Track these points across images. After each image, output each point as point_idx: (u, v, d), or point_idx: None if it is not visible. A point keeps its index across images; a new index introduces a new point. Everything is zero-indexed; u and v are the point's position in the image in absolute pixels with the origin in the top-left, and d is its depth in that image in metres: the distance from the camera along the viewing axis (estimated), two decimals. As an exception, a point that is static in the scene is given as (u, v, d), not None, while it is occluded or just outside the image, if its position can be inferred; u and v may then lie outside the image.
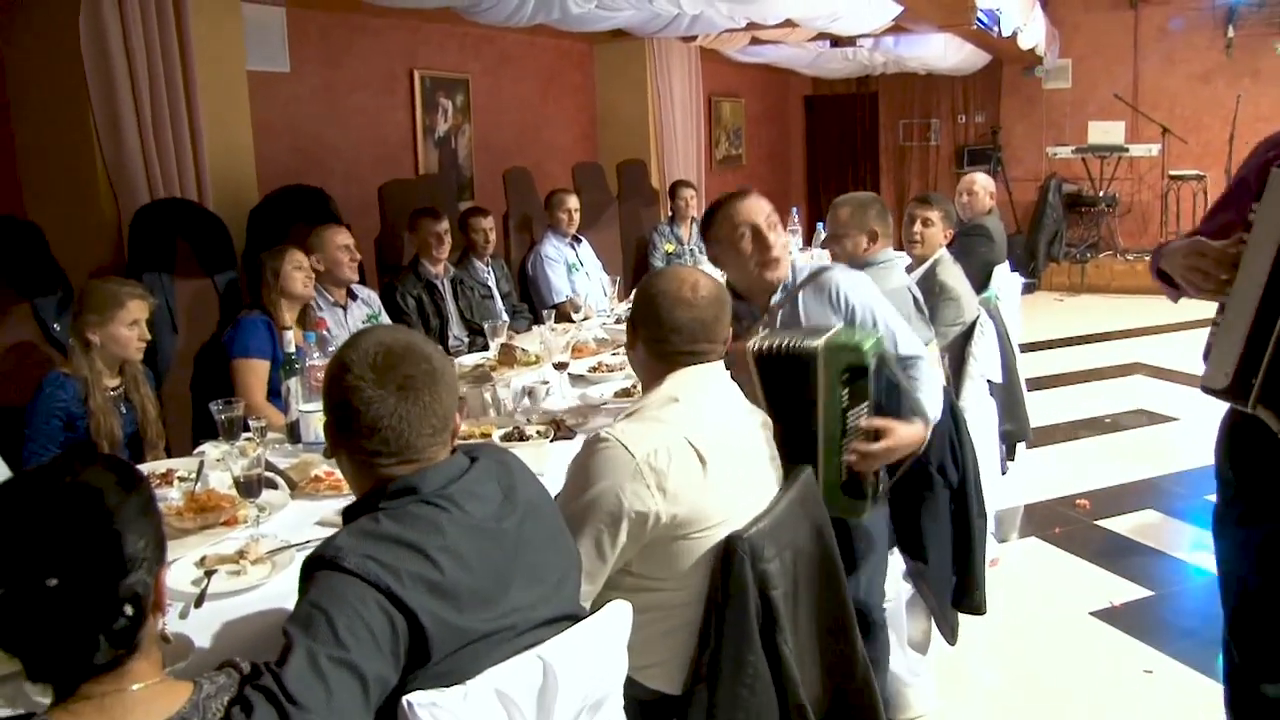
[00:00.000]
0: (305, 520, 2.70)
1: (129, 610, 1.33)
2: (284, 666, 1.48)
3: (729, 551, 2.20)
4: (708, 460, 2.21)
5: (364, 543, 1.65)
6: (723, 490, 2.24)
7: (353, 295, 4.68)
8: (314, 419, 3.19)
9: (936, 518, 3.46)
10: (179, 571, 2.30)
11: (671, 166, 9.12)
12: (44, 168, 4.49)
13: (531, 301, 6.35)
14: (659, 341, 2.36)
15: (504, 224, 6.50)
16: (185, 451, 3.62)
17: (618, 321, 5.20)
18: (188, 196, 4.55)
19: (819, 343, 2.60)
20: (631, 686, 2.08)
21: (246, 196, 4.92)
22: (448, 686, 1.64)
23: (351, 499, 1.90)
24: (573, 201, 6.51)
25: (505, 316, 5.78)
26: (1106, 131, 11.47)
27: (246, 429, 3.12)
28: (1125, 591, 4.14)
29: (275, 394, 3.82)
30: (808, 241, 7.48)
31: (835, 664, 2.51)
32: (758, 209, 2.92)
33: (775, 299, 2.98)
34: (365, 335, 1.85)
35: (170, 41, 4.46)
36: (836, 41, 9.94)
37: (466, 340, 5.32)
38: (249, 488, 2.57)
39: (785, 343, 2.63)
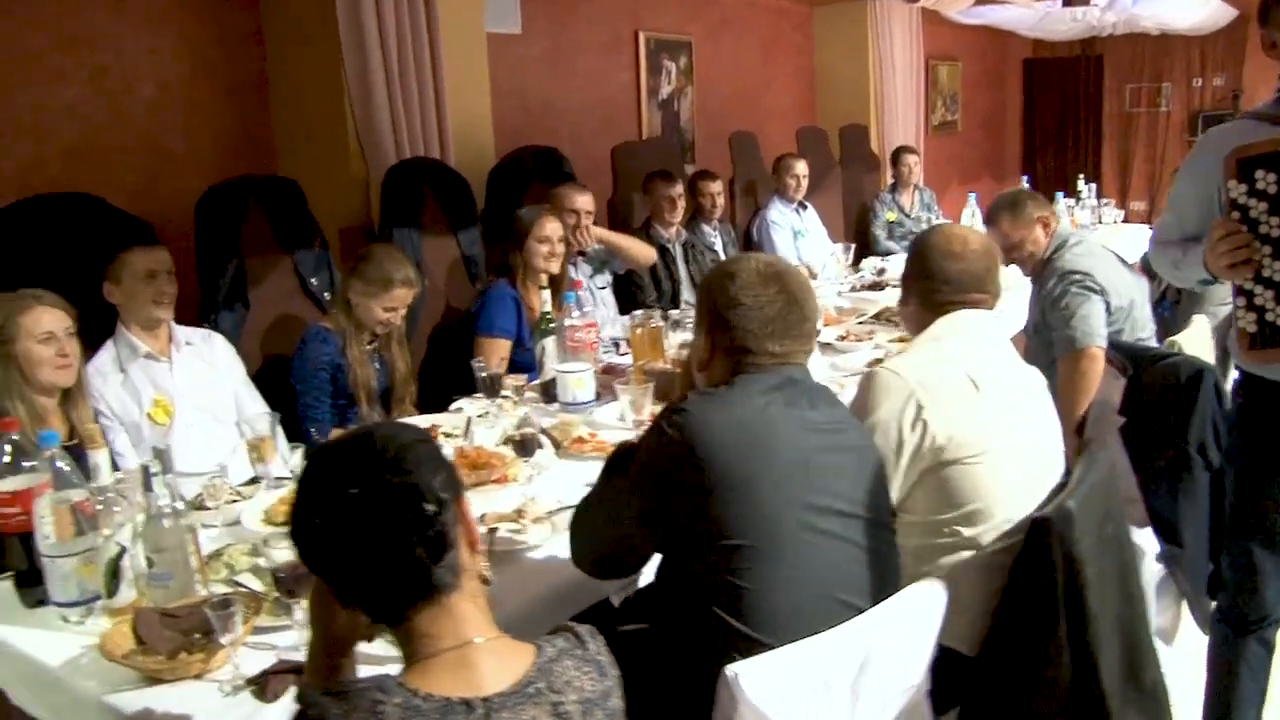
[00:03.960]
0: (574, 480, 2.66)
1: (431, 508, 1.32)
2: None
3: (1040, 527, 2.09)
4: (980, 386, 2.26)
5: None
6: (996, 419, 2.26)
7: (583, 253, 4.66)
8: (570, 380, 3.16)
9: (1194, 501, 3.24)
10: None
11: (891, 132, 8.83)
12: (297, 129, 4.61)
13: (754, 267, 6.22)
14: (930, 292, 2.45)
15: (729, 188, 6.37)
16: (429, 407, 3.68)
17: (853, 290, 5.05)
18: (431, 157, 4.60)
19: None
20: None
21: (484, 157, 4.95)
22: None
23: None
24: (800, 167, 6.38)
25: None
26: (1367, 95, 10.50)
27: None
28: None
29: (513, 369, 3.84)
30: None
31: (1127, 664, 2.35)
32: None
33: None
34: (747, 255, 2.17)
35: (418, 5, 4.50)
36: (1069, 0, 9.42)
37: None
38: (525, 447, 2.55)
39: None
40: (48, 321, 2.66)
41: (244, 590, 2.07)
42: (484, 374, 3.09)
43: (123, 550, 1.95)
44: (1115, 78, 12.99)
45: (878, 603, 1.84)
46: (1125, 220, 7.75)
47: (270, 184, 3.90)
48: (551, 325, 3.30)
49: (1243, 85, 11.89)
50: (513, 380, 3.20)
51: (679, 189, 5.20)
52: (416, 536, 1.30)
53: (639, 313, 3.57)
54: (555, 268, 4.03)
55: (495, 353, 3.90)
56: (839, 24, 8.72)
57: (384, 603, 1.33)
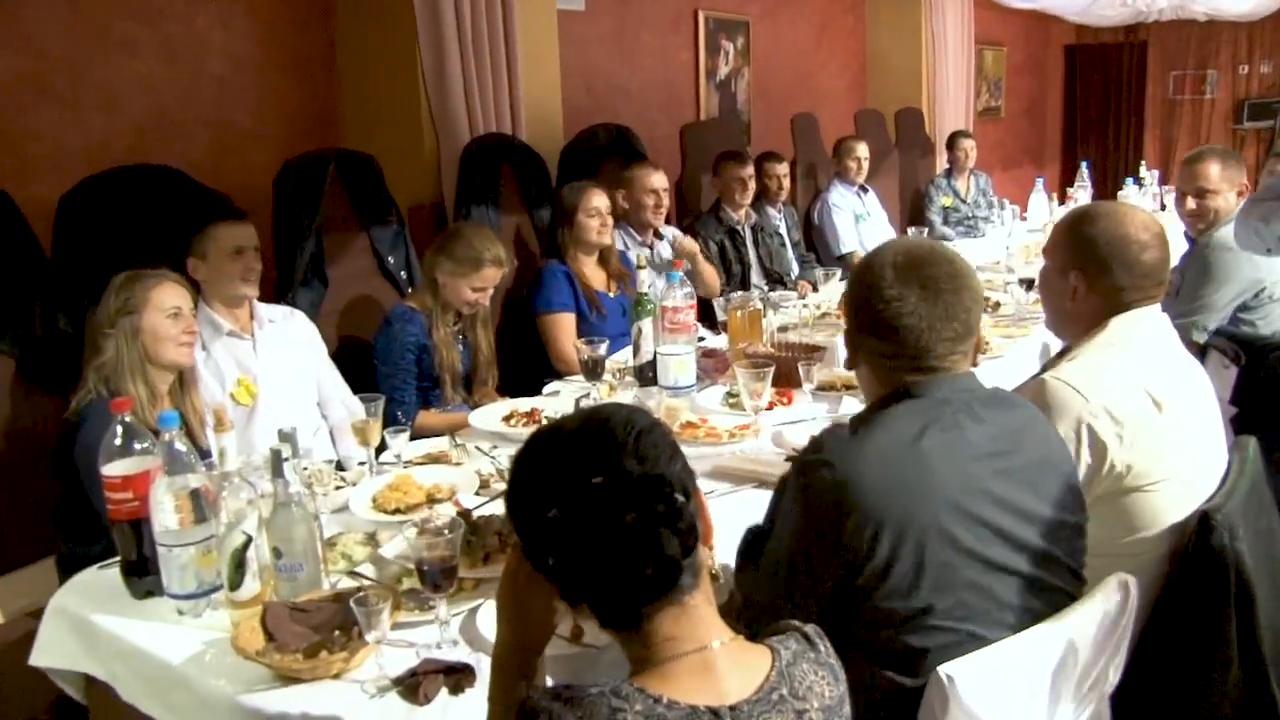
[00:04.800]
0: (695, 469, 2.53)
1: (680, 498, 1.20)
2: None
3: (1206, 525, 1.95)
4: (1162, 403, 2.02)
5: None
6: (1178, 439, 2.05)
7: (659, 235, 4.55)
8: (672, 363, 3.02)
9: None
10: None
11: (942, 117, 8.66)
12: (367, 105, 4.48)
13: (817, 251, 6.10)
14: (1119, 290, 2.16)
15: (791, 170, 6.23)
16: (507, 389, 3.55)
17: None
18: (507, 134, 4.47)
19: None
20: None
21: (553, 135, 4.82)
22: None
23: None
24: (862, 149, 6.26)
25: (796, 266, 5.56)
26: None
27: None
28: None
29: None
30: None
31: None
32: None
33: None
34: (890, 241, 1.86)
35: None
36: (1131, -18, 9.22)
37: (767, 289, 5.11)
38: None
39: None
40: (174, 297, 2.58)
41: (374, 583, 1.95)
42: (585, 356, 2.95)
43: (249, 540, 1.83)
44: (1159, 65, 12.76)
45: None
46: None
47: (348, 158, 3.77)
48: (650, 305, 3.16)
49: (1291, 72, 11.69)
50: (614, 363, 3.07)
51: (750, 170, 5.07)
52: (669, 530, 1.18)
53: (736, 294, 3.44)
54: (607, 239, 3.99)
55: (559, 328, 3.81)
56: (891, 7, 8.58)
57: (623, 603, 1.20)
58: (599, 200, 3.93)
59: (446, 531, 1.73)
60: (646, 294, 3.18)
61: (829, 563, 1.58)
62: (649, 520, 1.18)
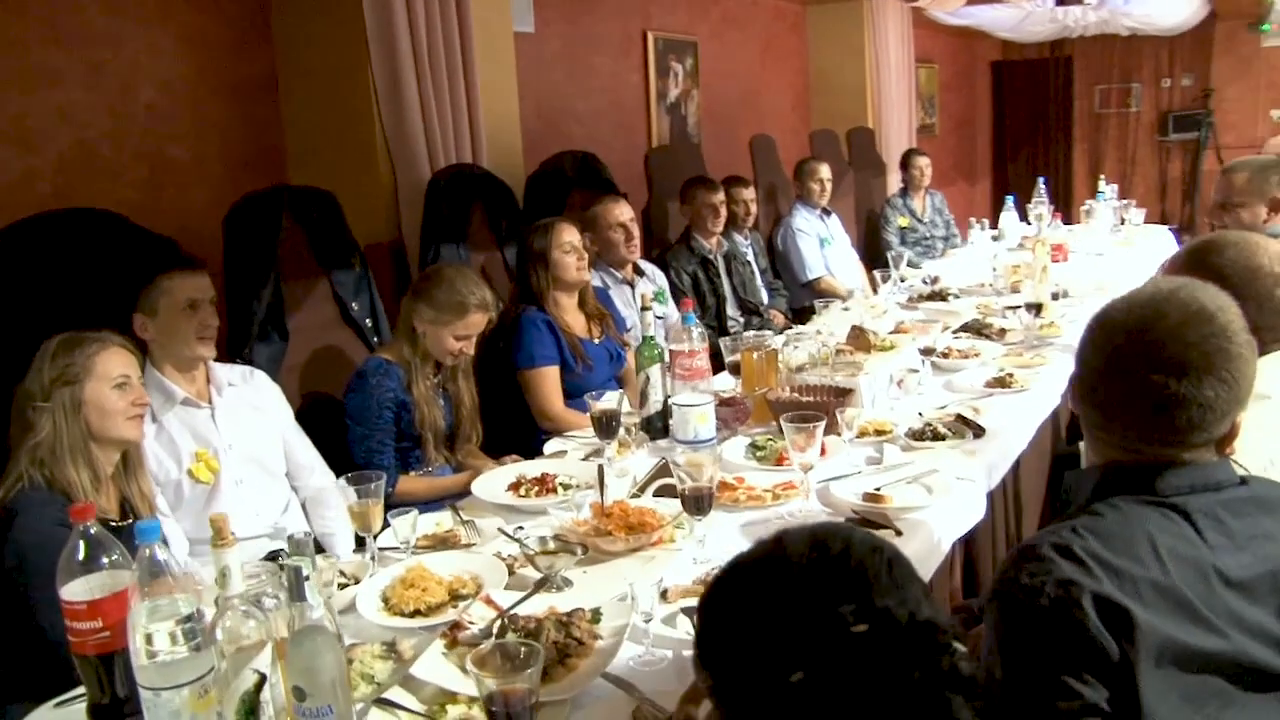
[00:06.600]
0: (738, 539, 2.21)
1: (960, 648, 0.89)
2: None
3: None
4: None
5: None
6: None
7: (639, 271, 4.23)
8: (693, 414, 2.70)
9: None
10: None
11: (887, 135, 8.50)
12: (313, 135, 4.10)
13: (781, 278, 5.84)
14: (1256, 330, 1.82)
15: (752, 195, 5.97)
16: (489, 447, 3.22)
17: (916, 299, 4.60)
18: (473, 164, 4.12)
19: None
20: None
21: (515, 164, 4.48)
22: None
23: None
24: (825, 171, 6.03)
25: (766, 295, 5.29)
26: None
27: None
28: None
29: (568, 396, 3.45)
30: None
31: None
32: None
33: None
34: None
35: (449, 3, 4.04)
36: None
37: (742, 321, 4.83)
38: (698, 504, 2.08)
39: None
40: (121, 364, 2.22)
41: (411, 715, 1.59)
42: (598, 410, 2.62)
43: (262, 679, 1.46)
44: (1085, 79, 12.87)
45: None
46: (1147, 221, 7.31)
47: (305, 196, 3.39)
48: (658, 351, 2.84)
49: (1212, 84, 11.80)
50: (629, 418, 2.75)
51: (721, 196, 4.80)
52: (960, 695, 0.85)
53: (750, 334, 3.13)
54: (587, 275, 3.62)
55: (547, 382, 3.45)
56: (832, 24, 8.40)
57: None
58: (571, 235, 3.56)
59: (521, 656, 1.38)
60: (653, 337, 2.86)
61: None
62: (934, 683, 0.85)
